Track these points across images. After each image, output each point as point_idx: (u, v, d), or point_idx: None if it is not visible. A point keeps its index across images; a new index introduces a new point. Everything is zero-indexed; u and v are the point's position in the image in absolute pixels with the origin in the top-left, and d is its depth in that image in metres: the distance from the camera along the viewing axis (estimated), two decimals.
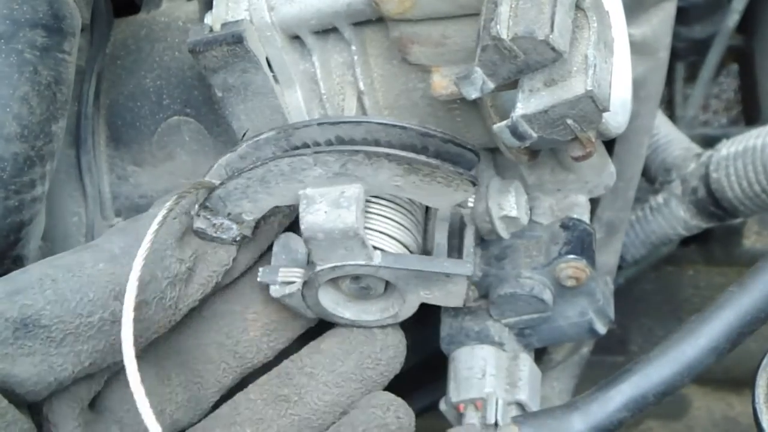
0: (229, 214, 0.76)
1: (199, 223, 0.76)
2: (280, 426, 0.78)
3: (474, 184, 0.73)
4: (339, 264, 0.75)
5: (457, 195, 0.73)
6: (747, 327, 0.75)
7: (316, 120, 0.73)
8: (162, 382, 0.77)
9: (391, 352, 0.81)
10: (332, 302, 0.79)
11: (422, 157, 0.71)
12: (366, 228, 0.76)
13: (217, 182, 0.75)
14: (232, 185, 0.74)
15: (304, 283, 0.77)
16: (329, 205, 0.72)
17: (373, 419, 0.77)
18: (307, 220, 0.72)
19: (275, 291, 0.78)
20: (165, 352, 0.79)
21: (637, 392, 0.76)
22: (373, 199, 0.77)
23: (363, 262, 0.74)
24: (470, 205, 0.80)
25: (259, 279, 0.79)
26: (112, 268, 0.71)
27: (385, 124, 0.72)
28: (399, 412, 0.78)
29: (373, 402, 0.78)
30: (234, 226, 0.77)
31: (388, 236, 0.77)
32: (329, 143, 0.73)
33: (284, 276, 0.78)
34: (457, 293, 0.78)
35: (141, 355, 0.76)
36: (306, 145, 0.73)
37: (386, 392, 0.80)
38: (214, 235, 0.77)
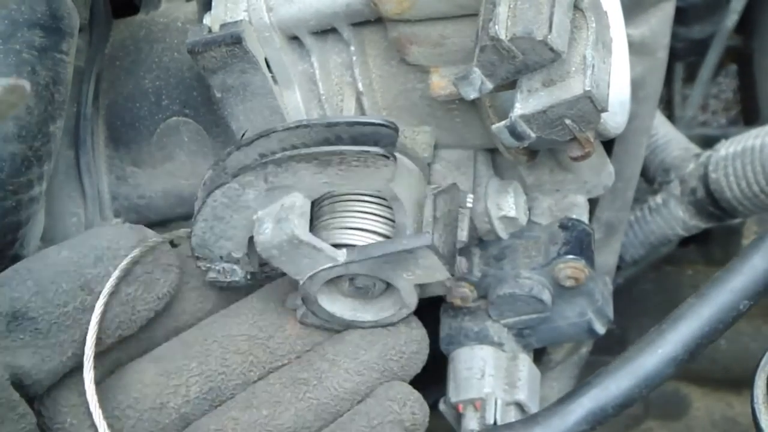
0: (221, 257, 0.77)
1: (210, 275, 0.78)
2: (297, 409, 0.77)
3: (386, 157, 0.71)
4: (311, 273, 0.75)
5: (382, 173, 0.73)
6: (706, 338, 0.76)
7: (235, 145, 0.74)
8: (167, 376, 0.76)
9: (414, 347, 0.80)
10: (350, 309, 0.79)
11: (323, 148, 0.71)
12: (333, 228, 0.75)
13: (188, 231, 0.76)
14: (199, 230, 0.75)
15: (303, 300, 0.77)
16: (273, 221, 0.73)
17: (388, 413, 0.77)
18: (258, 241, 0.73)
19: (299, 314, 0.79)
20: (183, 341, 0.78)
21: (597, 405, 0.76)
22: (339, 197, 0.76)
23: (330, 264, 0.74)
24: (469, 204, 0.80)
25: (286, 305, 0.79)
26: (74, 256, 0.72)
27: (290, 128, 0.72)
28: (415, 407, 0.78)
29: (390, 394, 0.78)
30: (236, 267, 0.78)
31: (359, 230, 0.76)
32: (255, 162, 0.73)
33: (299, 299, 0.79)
34: (435, 266, 0.77)
35: (144, 348, 0.77)
36: (241, 170, 0.73)
37: (404, 384, 0.79)
38: (228, 280, 0.78)
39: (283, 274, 0.78)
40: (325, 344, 0.80)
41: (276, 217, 0.73)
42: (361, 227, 0.76)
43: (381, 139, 0.72)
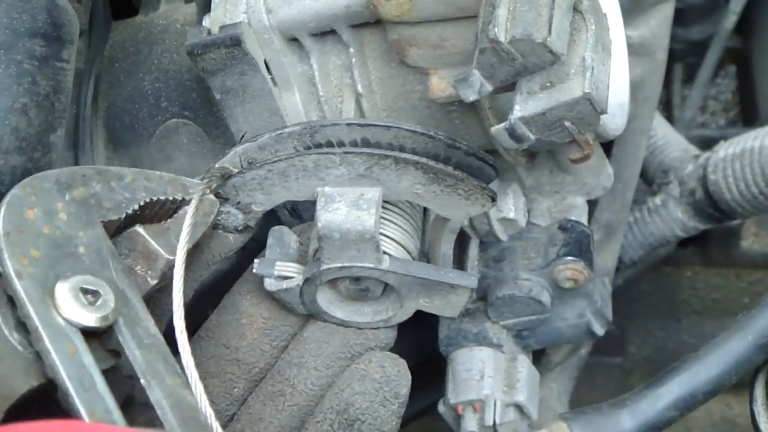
0: (238, 203, 0.76)
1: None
2: (280, 420, 0.78)
3: (493, 200, 0.73)
4: (347, 265, 0.75)
5: (474, 208, 0.74)
6: None
7: (345, 120, 0.73)
8: None
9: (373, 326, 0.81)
10: (326, 301, 0.79)
11: (449, 169, 0.72)
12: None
13: (235, 170, 0.75)
14: (251, 175, 0.74)
15: (306, 280, 0.77)
16: (348, 205, 0.72)
17: (354, 374, 0.77)
18: (324, 218, 0.73)
19: (270, 285, 0.78)
20: None
21: (687, 390, 0.76)
22: (385, 204, 0.77)
23: (371, 266, 0.75)
24: None
25: (255, 270, 0.78)
26: None
27: (414, 131, 0.72)
28: (384, 362, 0.77)
29: (356, 362, 0.78)
30: (240, 216, 0.77)
31: (392, 240, 0.77)
32: (354, 144, 0.73)
33: (281, 270, 0.78)
34: (456, 304, 0.79)
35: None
36: (330, 144, 0.73)
37: (373, 351, 0.79)
38: (224, 224, 0.78)
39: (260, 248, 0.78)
40: (290, 349, 0.80)
41: (354, 203, 0.72)
42: (394, 238, 0.78)
43: (481, 176, 0.74)
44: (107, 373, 0.64)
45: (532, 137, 0.72)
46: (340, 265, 0.75)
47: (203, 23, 0.81)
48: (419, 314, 0.81)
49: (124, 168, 0.73)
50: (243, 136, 0.82)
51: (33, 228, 0.65)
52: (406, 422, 1.17)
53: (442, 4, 0.72)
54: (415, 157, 0.71)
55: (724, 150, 1.14)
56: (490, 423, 0.87)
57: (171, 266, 0.71)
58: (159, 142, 0.92)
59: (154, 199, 0.73)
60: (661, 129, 1.25)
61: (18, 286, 0.62)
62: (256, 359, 0.80)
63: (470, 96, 0.71)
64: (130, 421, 0.63)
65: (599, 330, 0.92)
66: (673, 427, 1.44)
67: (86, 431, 0.54)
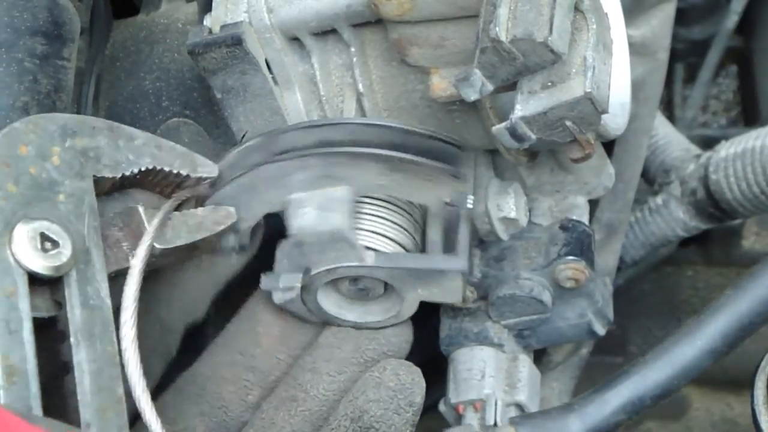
0: None
1: None
2: (293, 425, 0.78)
3: (456, 178, 0.73)
4: (332, 266, 0.75)
5: (442, 190, 0.74)
6: (744, 330, 0.76)
7: (299, 124, 0.74)
8: (171, 423, 0.76)
9: (388, 331, 0.81)
10: (335, 305, 0.79)
11: (404, 155, 0.71)
12: (360, 229, 0.76)
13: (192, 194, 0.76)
14: (221, 195, 0.75)
15: (302, 288, 0.77)
16: (317, 207, 0.73)
17: (369, 382, 0.77)
18: (295, 224, 0.73)
19: (278, 297, 0.78)
20: (177, 387, 0.78)
21: (635, 394, 0.76)
22: (367, 200, 0.77)
23: (356, 263, 0.75)
24: (469, 205, 0.80)
25: (261, 286, 0.79)
26: None
27: (367, 124, 0.73)
28: (398, 370, 0.77)
29: (371, 370, 0.78)
30: (231, 236, 0.77)
31: (382, 236, 0.77)
32: (311, 147, 0.73)
33: (285, 282, 0.78)
34: (454, 289, 0.78)
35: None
36: (292, 150, 0.73)
37: (389, 359, 0.79)
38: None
39: (272, 257, 0.78)
40: (304, 354, 0.80)
41: (322, 205, 0.73)
42: (385, 234, 0.77)
43: (447, 157, 0.74)
44: (46, 327, 0.63)
45: (533, 137, 0.72)
46: (326, 268, 0.75)
47: (204, 22, 0.81)
48: (420, 313, 0.81)
49: (139, 131, 0.74)
50: (244, 136, 0.82)
51: (20, 164, 0.66)
52: None
53: (443, 4, 0.72)
54: (368, 150, 0.71)
55: (726, 150, 1.14)
56: (491, 422, 0.86)
57: (155, 255, 0.71)
58: None
59: (158, 168, 0.74)
60: (663, 128, 1.25)
61: None
62: (272, 367, 0.80)
63: (471, 95, 0.71)
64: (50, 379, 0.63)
65: (600, 330, 0.92)
66: (673, 426, 1.44)
67: None
